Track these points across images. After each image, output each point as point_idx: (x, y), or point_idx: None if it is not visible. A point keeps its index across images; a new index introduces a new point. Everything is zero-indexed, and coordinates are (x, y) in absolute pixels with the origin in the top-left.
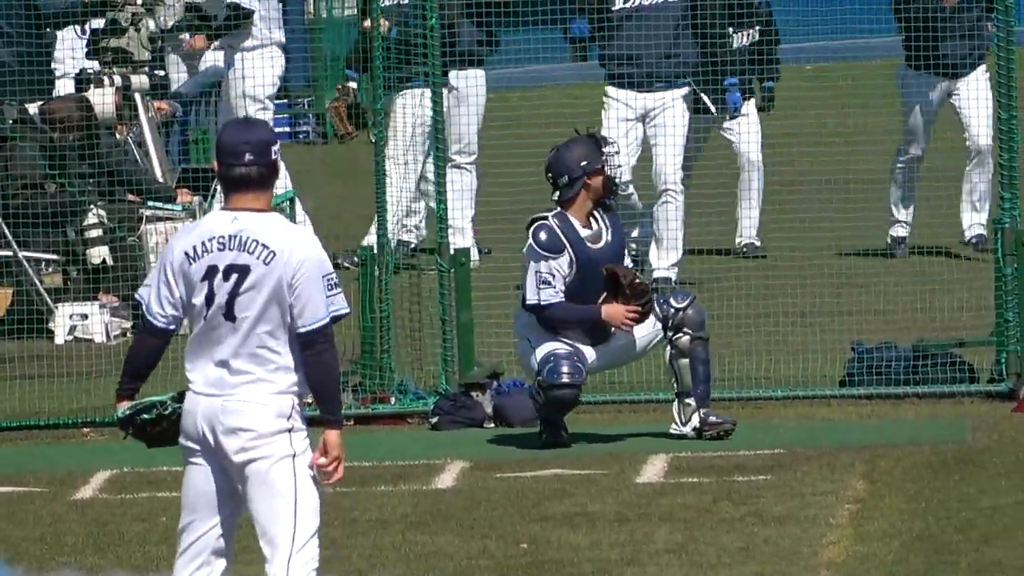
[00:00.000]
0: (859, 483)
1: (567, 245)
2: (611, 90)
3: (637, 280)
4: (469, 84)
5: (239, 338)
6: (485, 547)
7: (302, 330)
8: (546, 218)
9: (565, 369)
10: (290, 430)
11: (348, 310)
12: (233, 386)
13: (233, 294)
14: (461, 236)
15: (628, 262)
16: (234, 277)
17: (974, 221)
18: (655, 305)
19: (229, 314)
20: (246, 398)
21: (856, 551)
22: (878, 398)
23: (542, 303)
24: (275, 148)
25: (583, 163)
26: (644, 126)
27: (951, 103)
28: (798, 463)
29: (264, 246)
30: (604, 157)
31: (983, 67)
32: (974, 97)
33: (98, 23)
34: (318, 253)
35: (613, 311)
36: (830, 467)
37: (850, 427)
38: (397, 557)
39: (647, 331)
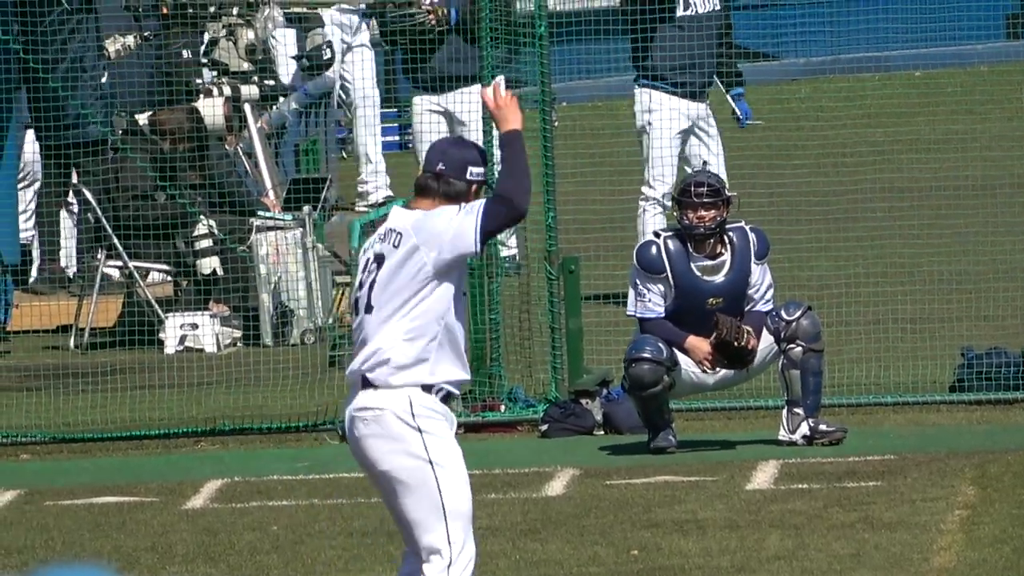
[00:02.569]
0: (969, 489)
1: (667, 269)
2: (665, 99)
3: (733, 342)
4: (468, 101)
5: (373, 329)
6: (596, 554)
7: (476, 246)
8: (659, 235)
9: (647, 347)
10: (420, 430)
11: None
12: (366, 382)
13: (372, 283)
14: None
15: (759, 302)
16: (374, 267)
17: None
18: (754, 342)
19: (368, 305)
20: (373, 396)
21: (967, 557)
22: (988, 404)
23: (638, 314)
24: (475, 170)
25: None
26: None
27: None
28: (908, 469)
29: (398, 233)
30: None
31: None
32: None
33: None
34: (437, 210)
35: (698, 344)
36: (940, 473)
37: (960, 433)
38: (508, 564)
39: (762, 346)
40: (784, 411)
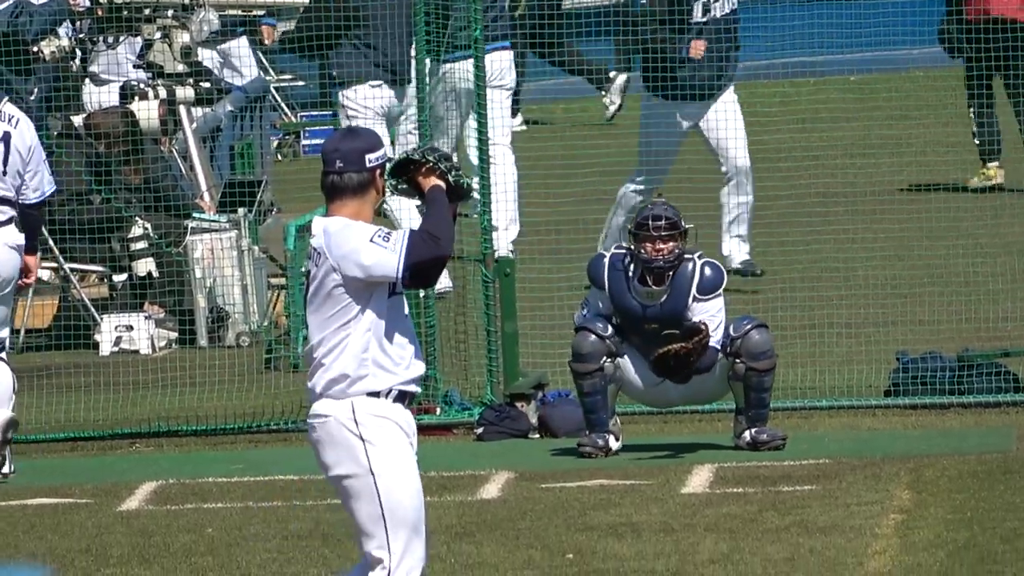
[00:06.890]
0: (904, 493)
1: (607, 285)
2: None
3: (691, 354)
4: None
5: (313, 346)
6: (530, 557)
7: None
8: (613, 250)
9: (598, 323)
10: (363, 439)
11: (402, 254)
12: (313, 397)
13: (305, 305)
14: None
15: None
16: (305, 284)
17: (738, 249)
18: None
19: (306, 320)
20: (322, 403)
21: (902, 561)
22: (923, 408)
23: (576, 324)
24: (372, 156)
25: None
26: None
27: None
28: (843, 473)
29: (316, 251)
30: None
31: (731, 90)
32: (723, 120)
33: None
34: (347, 225)
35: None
36: (875, 477)
37: (895, 437)
38: (443, 568)
39: (717, 375)
40: (735, 415)
